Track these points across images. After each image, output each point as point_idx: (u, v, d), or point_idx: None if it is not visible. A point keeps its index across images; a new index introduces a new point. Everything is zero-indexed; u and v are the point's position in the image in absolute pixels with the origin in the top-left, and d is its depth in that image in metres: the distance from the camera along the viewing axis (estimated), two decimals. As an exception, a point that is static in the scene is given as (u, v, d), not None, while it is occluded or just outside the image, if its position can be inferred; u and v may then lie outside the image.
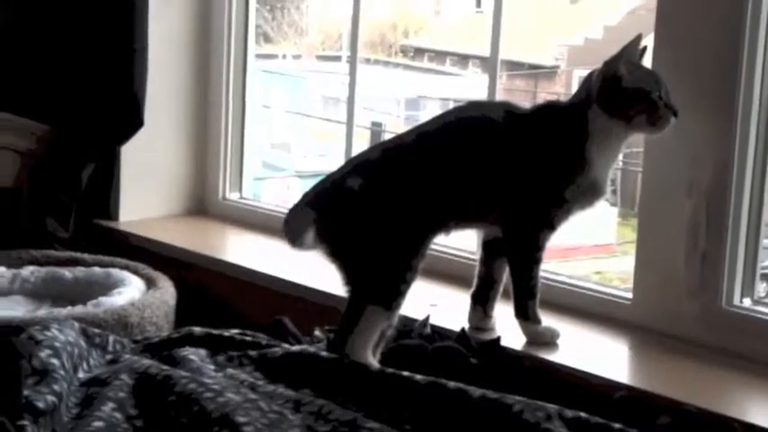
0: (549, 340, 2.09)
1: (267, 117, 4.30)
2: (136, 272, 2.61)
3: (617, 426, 1.66)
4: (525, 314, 2.08)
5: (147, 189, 3.04)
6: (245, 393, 1.78)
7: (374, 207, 1.96)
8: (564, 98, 2.16)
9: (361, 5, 2.81)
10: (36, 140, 2.85)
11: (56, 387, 1.72)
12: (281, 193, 4.24)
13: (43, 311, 2.42)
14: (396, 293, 1.95)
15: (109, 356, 1.99)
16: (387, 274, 1.95)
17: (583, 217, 2.08)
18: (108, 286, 2.53)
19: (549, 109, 2.09)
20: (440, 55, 4.37)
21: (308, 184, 2.07)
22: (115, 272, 2.60)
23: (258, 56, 3.35)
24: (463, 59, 4.30)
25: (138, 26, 2.81)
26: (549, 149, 2.02)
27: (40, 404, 1.65)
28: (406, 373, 1.83)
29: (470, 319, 2.15)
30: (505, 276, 2.12)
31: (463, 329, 2.07)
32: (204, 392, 1.74)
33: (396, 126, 4.04)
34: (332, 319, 2.04)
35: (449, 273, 2.41)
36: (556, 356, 2.04)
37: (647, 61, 2.07)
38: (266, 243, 2.81)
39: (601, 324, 2.22)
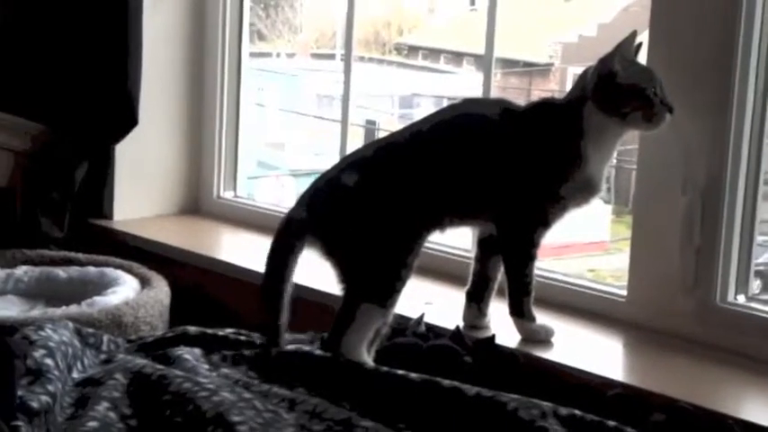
0: (543, 338, 2.09)
1: (261, 115, 4.30)
2: (130, 271, 2.61)
3: (612, 423, 1.65)
4: (520, 312, 2.08)
5: (141, 188, 3.04)
6: (239, 392, 1.77)
7: (369, 205, 1.96)
8: (558, 95, 2.16)
9: (355, 3, 2.81)
10: (30, 140, 2.85)
11: (50, 387, 1.72)
12: (275, 191, 4.24)
13: (37, 311, 2.42)
14: (391, 291, 1.95)
15: (103, 356, 1.99)
16: (382, 272, 1.95)
17: (577, 214, 2.08)
18: (102, 286, 2.53)
19: (545, 106, 2.09)
20: (434, 53, 4.36)
21: (303, 183, 2.07)
22: (109, 271, 2.60)
23: (252, 54, 3.35)
24: (457, 57, 4.30)
25: (132, 25, 2.81)
26: (544, 146, 2.02)
27: (35, 404, 1.65)
28: (400, 372, 1.83)
29: (465, 317, 2.15)
30: (500, 274, 2.12)
31: (458, 327, 2.07)
32: (199, 392, 1.74)
33: (390, 124, 4.03)
34: (326, 318, 2.03)
35: (443, 271, 2.42)
36: (550, 354, 2.04)
37: (642, 58, 2.07)
38: (261, 242, 2.80)
39: (595, 321, 2.22)
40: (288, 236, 1.97)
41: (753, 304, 2.08)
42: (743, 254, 2.09)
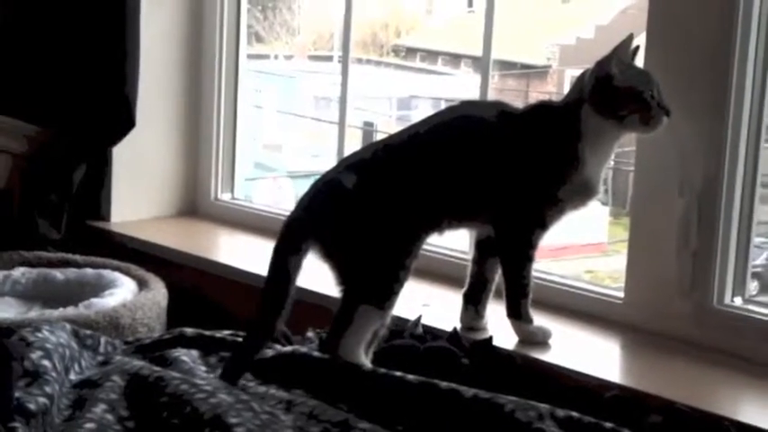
0: (541, 340, 2.09)
1: (259, 117, 4.30)
2: (127, 273, 2.61)
3: (609, 425, 1.66)
4: (517, 314, 2.08)
5: (138, 190, 3.04)
6: (237, 394, 1.77)
7: (368, 207, 1.96)
8: (556, 98, 2.17)
9: (352, 5, 2.81)
10: (27, 142, 2.85)
11: (47, 389, 1.72)
12: (273, 193, 4.24)
13: (34, 313, 2.42)
14: (389, 293, 1.95)
15: (100, 358, 1.99)
16: (380, 274, 1.95)
17: (575, 216, 2.09)
18: (99, 287, 2.53)
19: (542, 109, 2.10)
20: (431, 55, 4.36)
21: (300, 185, 2.07)
22: (107, 273, 2.60)
23: (250, 56, 3.35)
24: (455, 59, 4.30)
25: (130, 27, 2.81)
26: (541, 149, 2.02)
27: (32, 406, 1.65)
28: (398, 374, 1.83)
29: (462, 319, 2.15)
30: (498, 276, 2.12)
31: (455, 329, 2.07)
32: (196, 393, 1.74)
33: (388, 126, 4.03)
34: (324, 319, 2.03)
35: (441, 272, 2.42)
36: (548, 356, 2.04)
37: (639, 61, 2.07)
38: (258, 243, 2.80)
39: (593, 323, 2.22)
40: (289, 239, 1.96)
41: (750, 306, 2.08)
42: (740, 256, 2.09)
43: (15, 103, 2.85)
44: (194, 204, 3.15)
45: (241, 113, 3.14)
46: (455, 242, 2.44)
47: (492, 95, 2.60)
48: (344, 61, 2.84)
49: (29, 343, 1.83)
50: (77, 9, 2.83)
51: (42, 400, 1.68)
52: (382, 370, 1.86)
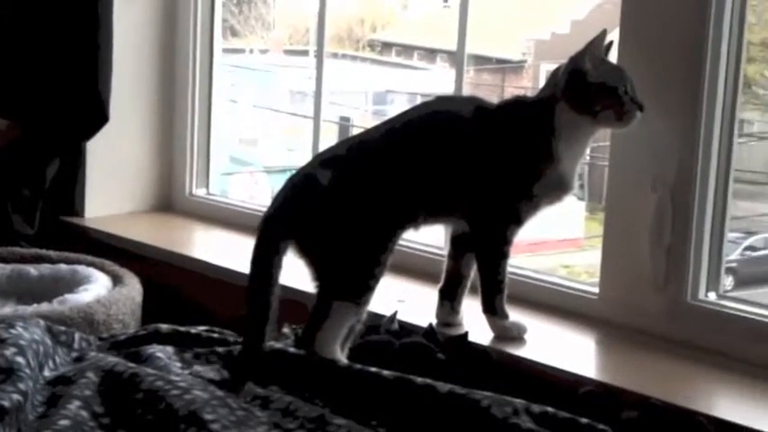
0: (516, 335, 2.10)
1: (235, 112, 4.28)
2: (102, 269, 2.59)
3: (584, 420, 1.66)
4: (492, 309, 2.09)
5: (112, 185, 3.03)
6: (212, 391, 1.77)
7: (343, 202, 1.96)
8: (531, 92, 2.17)
9: (327, 0, 2.81)
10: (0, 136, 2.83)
11: (21, 386, 1.71)
12: (249, 187, 4.23)
13: (8, 309, 2.40)
14: (364, 289, 1.95)
15: (75, 354, 1.98)
16: (355, 270, 1.95)
17: (551, 211, 2.09)
18: (74, 283, 2.51)
19: (517, 104, 2.10)
20: (407, 49, 4.36)
21: (276, 179, 2.07)
22: (81, 269, 2.59)
23: (225, 50, 3.33)
24: (431, 54, 4.29)
25: (103, 21, 2.79)
26: (516, 144, 2.02)
27: (6, 403, 1.64)
28: (373, 369, 1.83)
29: (438, 315, 2.15)
30: (473, 272, 2.13)
31: (431, 325, 2.07)
32: (171, 390, 1.74)
33: (363, 120, 4.02)
34: (300, 315, 2.03)
35: (416, 268, 2.42)
36: (523, 351, 2.05)
37: (613, 56, 2.08)
38: (233, 239, 2.80)
39: (568, 319, 2.23)
40: (267, 240, 1.95)
41: (723, 302, 2.09)
42: (713, 251, 2.10)
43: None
44: (169, 200, 3.14)
45: (216, 108, 3.13)
46: (431, 238, 2.44)
47: (467, 90, 2.60)
48: (319, 56, 2.84)
49: (2, 339, 1.82)
50: (50, 4, 2.81)
51: (16, 396, 1.67)
52: (358, 366, 1.86)
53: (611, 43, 2.04)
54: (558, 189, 2.05)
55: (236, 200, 3.11)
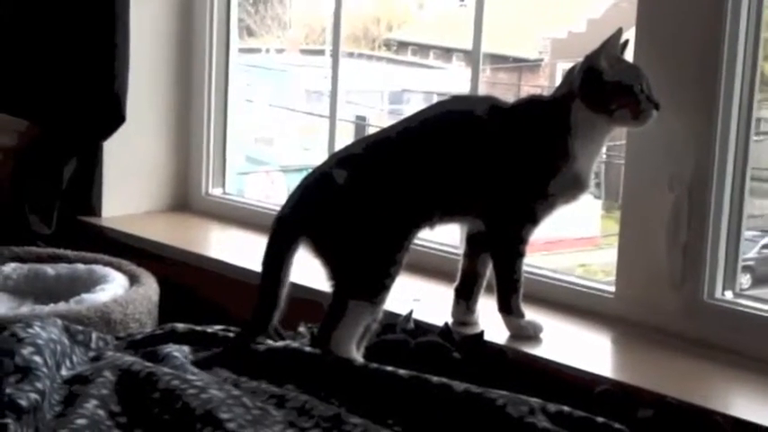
0: (532, 334, 2.09)
1: (251, 111, 4.29)
2: (119, 268, 2.60)
3: (600, 419, 1.66)
4: (508, 308, 2.09)
5: (129, 185, 3.04)
6: (228, 390, 1.78)
7: (359, 201, 1.96)
8: (548, 91, 2.17)
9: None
10: (18, 137, 2.84)
11: (38, 385, 1.71)
12: (265, 187, 4.23)
13: (26, 309, 2.41)
14: (380, 288, 1.95)
15: (92, 353, 1.99)
16: (371, 269, 1.95)
17: (567, 210, 2.09)
18: (91, 283, 2.52)
19: (532, 103, 2.10)
20: (423, 48, 4.35)
21: (293, 178, 2.07)
22: (98, 268, 2.60)
23: (241, 50, 3.34)
24: (447, 53, 4.29)
25: (120, 21, 2.80)
26: (532, 143, 2.02)
27: (23, 402, 1.64)
28: (389, 368, 1.83)
29: (454, 314, 2.15)
30: (489, 271, 2.12)
31: (446, 324, 2.07)
32: (187, 389, 1.74)
33: (379, 120, 4.03)
34: (316, 314, 2.04)
35: (432, 267, 2.42)
36: (539, 350, 2.04)
37: (629, 55, 2.07)
38: (249, 238, 2.80)
39: (584, 318, 2.22)
40: (280, 236, 1.97)
41: (740, 300, 2.08)
42: (730, 250, 2.10)
43: (5, 98, 2.84)
44: (185, 199, 3.14)
45: (233, 108, 3.14)
46: (446, 237, 2.44)
47: (484, 89, 2.60)
48: (335, 55, 2.84)
49: (20, 339, 1.83)
50: (67, 4, 2.82)
51: (33, 395, 1.67)
52: (374, 365, 1.86)
53: (626, 42, 2.03)
54: (574, 188, 2.04)
55: (252, 199, 3.12)
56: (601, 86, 1.98)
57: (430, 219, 2.03)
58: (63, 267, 2.64)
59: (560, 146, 2.01)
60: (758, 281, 2.75)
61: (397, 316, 2.10)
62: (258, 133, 4.50)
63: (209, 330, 2.09)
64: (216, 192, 3.13)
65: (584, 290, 2.29)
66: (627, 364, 2.10)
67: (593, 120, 2.01)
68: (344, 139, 2.79)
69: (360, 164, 1.99)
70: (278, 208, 2.05)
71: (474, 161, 2.01)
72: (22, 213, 2.85)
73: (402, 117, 2.13)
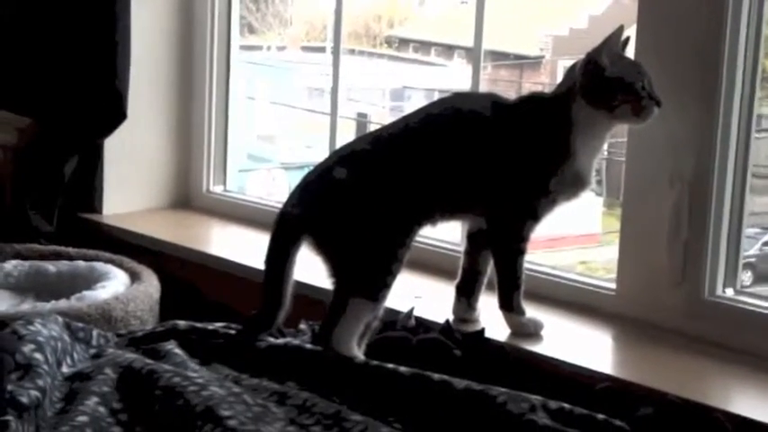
0: (532, 331, 2.09)
1: (252, 108, 4.29)
2: (120, 265, 2.61)
3: (601, 416, 1.66)
4: (509, 305, 2.09)
5: (130, 182, 3.04)
6: (229, 387, 1.78)
7: (360, 198, 1.96)
8: (549, 88, 2.17)
9: (343, -4, 2.82)
10: (19, 134, 2.85)
11: (39, 382, 1.72)
12: (266, 184, 4.23)
13: (27, 306, 2.42)
14: (381, 285, 1.95)
15: (93, 351, 1.99)
16: (373, 266, 1.95)
17: (568, 207, 2.09)
18: (92, 280, 2.53)
19: (534, 100, 2.10)
20: (425, 45, 4.35)
21: (294, 176, 2.07)
22: (99, 265, 2.60)
23: (243, 47, 3.34)
24: (448, 50, 4.29)
25: (120, 18, 2.80)
26: (533, 140, 2.02)
27: (24, 399, 1.65)
28: (390, 366, 1.83)
29: (455, 311, 2.15)
30: (490, 268, 2.12)
31: (447, 321, 2.07)
32: (188, 386, 1.74)
33: (381, 117, 4.03)
34: (317, 312, 2.04)
35: (433, 264, 2.42)
36: (540, 348, 2.04)
37: (630, 52, 2.07)
38: (250, 236, 2.80)
39: (584, 315, 2.22)
40: (283, 233, 1.98)
41: (741, 297, 2.08)
42: (731, 247, 2.09)
43: (6, 95, 2.85)
44: (186, 196, 3.15)
45: (234, 105, 3.14)
46: (447, 234, 2.44)
47: (485, 86, 2.60)
48: (336, 52, 2.84)
49: (21, 336, 1.83)
50: (68, 2, 2.82)
51: (34, 393, 1.68)
52: (375, 362, 1.86)
53: (627, 38, 2.03)
54: (575, 185, 2.04)
55: (254, 197, 3.12)
56: (602, 83, 1.98)
57: (431, 216, 2.03)
58: (64, 264, 2.65)
59: (561, 143, 2.01)
60: (759, 278, 2.75)
61: (398, 313, 2.10)
62: (259, 130, 4.50)
63: (211, 327, 2.09)
64: (217, 189, 3.13)
65: (585, 287, 2.29)
66: (627, 362, 2.10)
67: (595, 117, 2.00)
68: (346, 136, 2.79)
69: (361, 161, 1.99)
70: (279, 205, 2.05)
71: (475, 158, 2.01)
72: (24, 211, 2.85)
73: (403, 114, 2.12)
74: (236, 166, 3.26)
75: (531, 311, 2.11)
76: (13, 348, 1.78)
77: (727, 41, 2.03)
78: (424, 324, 2.09)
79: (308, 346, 1.97)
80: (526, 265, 2.08)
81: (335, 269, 1.98)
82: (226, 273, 2.60)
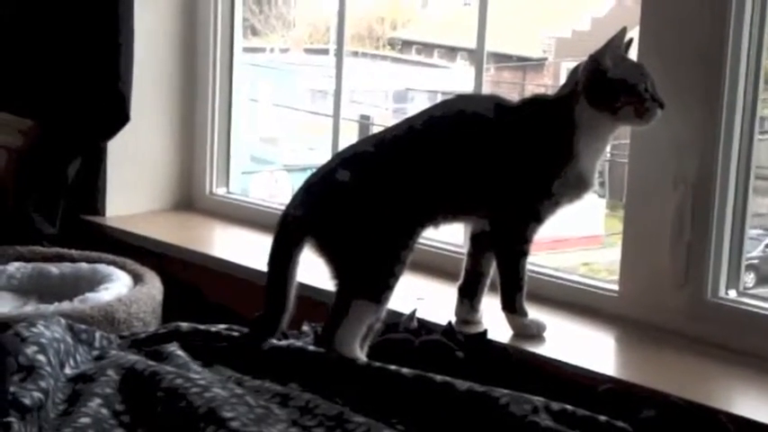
0: (535, 333, 2.09)
1: (255, 110, 4.30)
2: (123, 267, 2.61)
3: (603, 418, 1.66)
4: (512, 307, 2.09)
5: (133, 184, 3.04)
6: (231, 388, 1.78)
7: (363, 200, 1.96)
8: (552, 90, 2.17)
9: (346, -2, 2.82)
10: (22, 136, 2.85)
11: (42, 383, 1.72)
12: (269, 186, 4.24)
13: (29, 308, 2.41)
14: (384, 287, 1.95)
15: (95, 352, 1.99)
16: (375, 268, 1.95)
17: (571, 208, 2.08)
18: (94, 282, 2.53)
19: (537, 102, 2.10)
20: (427, 47, 4.36)
21: (297, 178, 2.08)
22: (102, 267, 2.60)
23: (246, 49, 3.34)
24: (451, 52, 4.29)
25: (123, 20, 2.81)
26: (536, 142, 2.02)
27: (27, 401, 1.65)
28: (392, 367, 1.83)
29: (457, 313, 2.15)
30: (493, 270, 2.12)
31: (450, 323, 2.07)
32: (191, 388, 1.75)
33: (384, 119, 4.03)
34: (319, 313, 2.04)
35: (436, 266, 2.42)
36: (542, 349, 2.04)
37: (633, 53, 2.07)
38: (253, 238, 2.80)
39: (587, 316, 2.22)
40: (285, 235, 1.98)
41: (744, 299, 2.08)
42: (734, 249, 2.09)
43: (9, 97, 2.85)
44: (189, 198, 3.15)
45: (237, 107, 3.14)
46: (450, 236, 2.44)
47: (488, 88, 2.60)
48: (339, 54, 2.84)
49: (24, 338, 1.83)
50: (71, 3, 2.83)
51: (37, 394, 1.68)
52: (377, 364, 1.86)
53: (630, 40, 2.03)
54: (578, 187, 2.04)
55: (257, 199, 3.12)
56: (605, 85, 1.98)
57: (434, 218, 2.03)
58: (67, 267, 2.65)
59: (564, 145, 2.01)
60: (762, 280, 2.75)
61: (400, 315, 2.10)
62: (262, 132, 4.50)
63: (213, 329, 2.09)
64: (220, 191, 3.13)
65: (588, 289, 2.29)
66: (630, 363, 2.09)
67: (598, 118, 2.00)
68: (349, 138, 2.79)
69: (364, 163, 1.99)
70: (282, 207, 2.05)
71: (478, 160, 2.01)
72: (27, 213, 2.85)
73: (406, 116, 2.13)
74: (239, 168, 3.26)
75: (534, 313, 2.11)
76: (16, 350, 1.78)
77: (730, 43, 2.03)
78: (426, 326, 2.09)
79: (311, 347, 1.97)
80: (529, 266, 2.08)
81: (338, 271, 1.98)
82: (228, 275, 2.60)
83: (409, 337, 2.03)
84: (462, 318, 2.14)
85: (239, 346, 2.00)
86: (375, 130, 2.56)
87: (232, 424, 1.63)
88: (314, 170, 2.06)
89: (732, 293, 2.10)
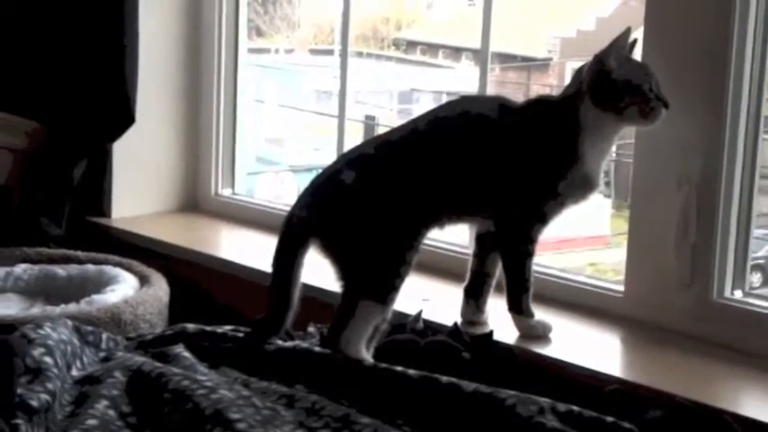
0: (541, 334, 2.09)
1: (260, 111, 4.30)
2: (129, 269, 2.61)
3: (609, 419, 1.66)
4: (518, 308, 2.09)
5: (139, 186, 3.04)
6: (238, 390, 1.78)
7: (368, 201, 1.96)
8: (557, 90, 2.17)
9: (351, -1, 2.82)
10: (28, 138, 2.85)
11: (49, 385, 1.72)
12: (274, 187, 4.24)
13: (36, 309, 2.42)
14: (390, 288, 1.95)
15: (102, 354, 1.99)
16: (381, 269, 1.96)
17: (577, 209, 2.09)
18: (101, 284, 2.53)
19: (541, 103, 2.10)
20: (432, 48, 4.36)
21: (302, 179, 2.08)
22: (108, 269, 2.61)
23: (251, 50, 3.35)
24: (456, 52, 4.30)
25: (128, 22, 2.81)
26: (541, 143, 2.02)
27: (34, 403, 1.65)
28: (399, 368, 1.83)
29: (463, 314, 2.15)
30: (498, 270, 2.12)
31: (456, 324, 2.07)
32: (197, 389, 1.75)
33: (389, 119, 4.03)
34: (325, 314, 2.04)
35: (441, 267, 2.42)
36: (548, 350, 2.04)
37: (638, 54, 2.07)
38: (259, 239, 2.81)
39: (593, 317, 2.22)
40: (290, 236, 1.98)
41: (750, 299, 2.08)
42: (739, 249, 2.09)
43: (15, 99, 2.85)
44: (195, 200, 3.15)
45: (242, 108, 3.14)
46: (456, 236, 2.44)
47: (493, 88, 2.60)
48: (344, 55, 2.84)
49: (30, 340, 1.83)
50: (76, 5, 2.83)
51: (44, 396, 1.68)
52: (383, 365, 1.86)
53: (635, 41, 2.03)
54: (584, 187, 2.04)
55: (262, 199, 3.12)
56: (610, 85, 1.98)
57: (440, 219, 2.03)
58: (73, 268, 2.65)
59: (569, 145, 2.01)
60: (768, 280, 2.75)
61: (406, 316, 2.11)
62: (268, 133, 4.51)
63: (220, 331, 2.09)
64: (225, 192, 3.13)
65: (594, 289, 2.29)
66: (636, 364, 2.10)
67: (603, 119, 2.00)
68: (354, 138, 2.80)
69: (369, 164, 2.00)
70: (288, 208, 2.05)
71: (483, 161, 2.01)
72: (33, 214, 2.86)
73: (411, 117, 2.13)
74: (244, 169, 3.27)
75: (540, 314, 2.11)
76: (23, 352, 1.78)
77: (734, 43, 2.03)
78: (432, 327, 2.09)
79: (317, 348, 1.97)
80: (535, 267, 2.08)
81: (344, 272, 1.99)
82: (234, 276, 2.61)
83: (415, 338, 2.03)
84: (468, 319, 2.15)
85: (243, 347, 2.00)
86: (380, 130, 2.57)
87: (239, 425, 1.63)
88: (319, 171, 2.07)
89: (738, 294, 2.09)
